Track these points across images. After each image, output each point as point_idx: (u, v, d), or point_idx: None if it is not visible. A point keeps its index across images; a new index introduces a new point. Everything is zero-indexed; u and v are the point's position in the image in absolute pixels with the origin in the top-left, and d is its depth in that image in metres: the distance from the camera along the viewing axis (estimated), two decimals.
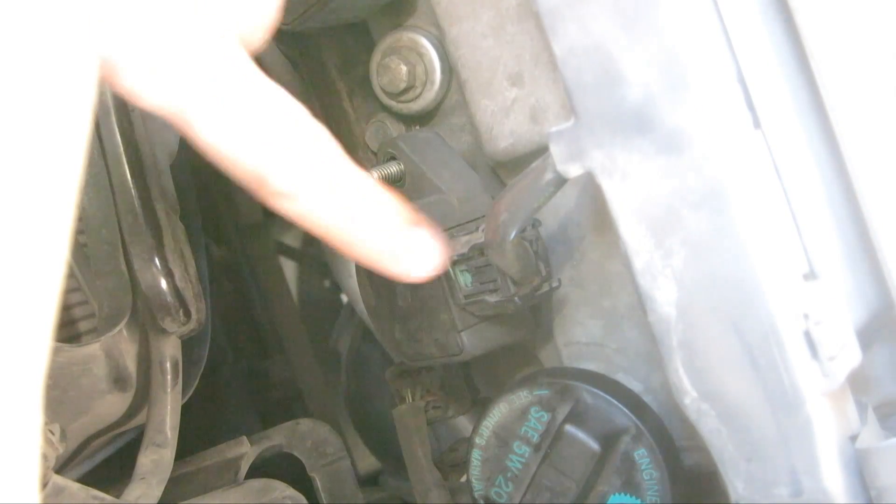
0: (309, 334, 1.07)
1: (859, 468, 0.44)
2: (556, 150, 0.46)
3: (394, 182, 0.61)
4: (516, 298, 0.55)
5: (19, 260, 0.29)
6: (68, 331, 0.74)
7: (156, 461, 0.63)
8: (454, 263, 0.57)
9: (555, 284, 0.57)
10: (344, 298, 1.15)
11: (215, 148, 0.42)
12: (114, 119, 0.62)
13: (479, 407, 0.68)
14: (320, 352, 1.10)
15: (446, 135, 0.64)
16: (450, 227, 0.58)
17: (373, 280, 0.62)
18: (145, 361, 0.64)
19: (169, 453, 0.63)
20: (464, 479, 0.62)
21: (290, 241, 1.20)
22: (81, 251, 0.71)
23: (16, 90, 0.29)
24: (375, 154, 0.66)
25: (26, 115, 0.29)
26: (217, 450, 0.72)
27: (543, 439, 0.55)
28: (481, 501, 0.58)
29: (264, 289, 1.06)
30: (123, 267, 0.62)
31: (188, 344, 0.66)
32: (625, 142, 0.44)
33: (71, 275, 0.73)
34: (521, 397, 0.56)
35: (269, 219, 1.07)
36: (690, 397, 0.46)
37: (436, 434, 0.79)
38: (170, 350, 0.64)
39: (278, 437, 0.74)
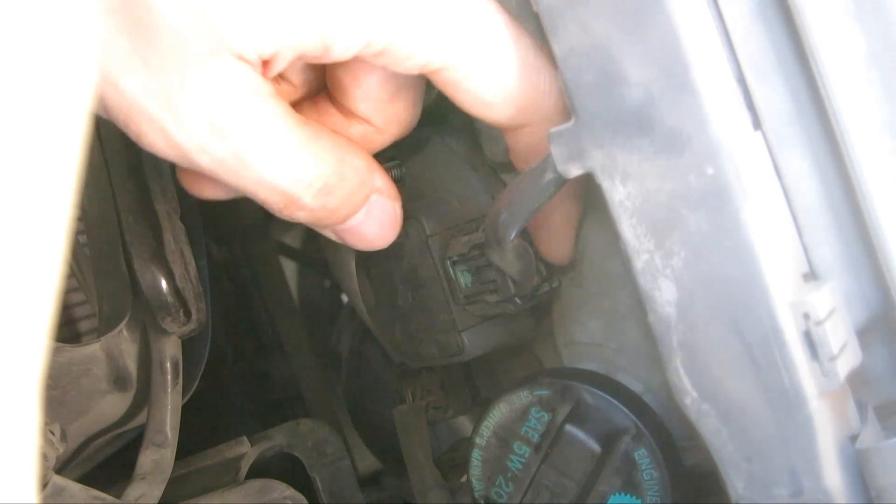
0: (309, 334, 1.07)
1: (859, 468, 0.44)
2: (556, 150, 0.46)
3: (394, 183, 0.61)
4: (516, 298, 0.55)
5: (18, 259, 0.29)
6: (68, 331, 0.74)
7: (156, 461, 0.63)
8: (454, 263, 0.57)
9: (555, 284, 0.57)
10: (344, 298, 1.15)
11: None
12: None
13: (480, 407, 0.68)
14: (320, 352, 1.10)
15: (446, 135, 0.64)
16: (450, 227, 0.58)
17: (373, 280, 0.62)
18: (145, 361, 0.64)
19: (169, 453, 0.63)
20: (464, 479, 0.61)
21: (291, 241, 1.20)
22: (81, 251, 0.71)
23: (15, 90, 0.29)
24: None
25: (25, 114, 0.29)
26: (217, 450, 0.72)
27: (544, 439, 0.55)
28: (481, 501, 0.58)
29: (264, 289, 1.06)
30: (123, 267, 0.62)
31: (188, 344, 0.66)
32: (625, 142, 0.44)
33: (71, 275, 0.73)
34: (522, 397, 0.56)
35: (270, 219, 1.07)
36: (691, 397, 0.46)
37: (436, 434, 0.79)
38: (170, 350, 0.64)
39: (279, 437, 0.74)
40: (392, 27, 0.46)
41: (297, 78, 0.53)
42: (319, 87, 0.54)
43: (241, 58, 0.45)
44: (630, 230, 0.45)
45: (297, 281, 1.20)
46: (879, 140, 0.45)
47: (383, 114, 0.53)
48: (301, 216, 0.51)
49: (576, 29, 0.44)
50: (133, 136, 0.47)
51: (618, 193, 0.45)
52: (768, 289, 0.43)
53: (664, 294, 0.45)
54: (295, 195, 0.49)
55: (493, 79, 0.49)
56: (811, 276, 0.47)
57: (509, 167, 0.60)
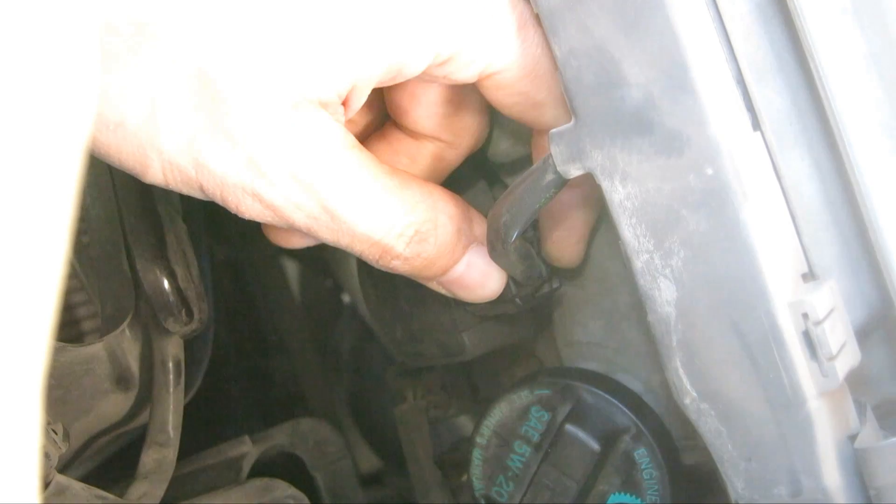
0: (311, 334, 1.07)
1: (858, 468, 0.45)
2: (556, 150, 0.46)
3: None
4: (517, 299, 0.55)
5: (20, 259, 0.29)
6: (71, 331, 0.74)
7: (158, 460, 0.63)
8: None
9: (556, 285, 0.57)
10: (346, 298, 1.15)
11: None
12: None
13: (480, 406, 0.68)
14: (322, 351, 1.10)
15: None
16: None
17: (374, 280, 0.62)
18: (148, 361, 0.64)
19: (171, 452, 0.63)
20: (465, 478, 0.62)
21: None
22: (84, 251, 0.71)
23: (17, 90, 0.29)
24: None
25: (27, 114, 0.29)
26: (219, 449, 0.72)
27: (544, 439, 0.55)
28: (482, 500, 0.58)
29: (266, 289, 1.06)
30: (126, 267, 0.62)
31: (190, 344, 0.66)
32: (625, 143, 0.45)
33: (74, 275, 0.73)
34: (522, 397, 0.57)
35: None
36: (690, 397, 0.46)
37: (437, 433, 0.79)
38: (172, 350, 0.64)
39: (280, 437, 0.74)
40: (456, 36, 0.46)
41: (359, 114, 0.52)
42: (383, 118, 0.55)
43: (321, 103, 0.45)
44: (630, 230, 0.45)
45: (299, 281, 1.20)
46: (878, 140, 0.45)
47: (450, 128, 0.53)
48: (397, 266, 0.50)
49: (576, 30, 0.44)
50: (233, 209, 0.47)
51: (617, 194, 0.45)
52: (767, 289, 0.43)
53: (664, 294, 0.45)
54: (387, 245, 0.48)
55: (542, 79, 0.49)
56: (810, 275, 0.47)
57: (510, 168, 0.60)
